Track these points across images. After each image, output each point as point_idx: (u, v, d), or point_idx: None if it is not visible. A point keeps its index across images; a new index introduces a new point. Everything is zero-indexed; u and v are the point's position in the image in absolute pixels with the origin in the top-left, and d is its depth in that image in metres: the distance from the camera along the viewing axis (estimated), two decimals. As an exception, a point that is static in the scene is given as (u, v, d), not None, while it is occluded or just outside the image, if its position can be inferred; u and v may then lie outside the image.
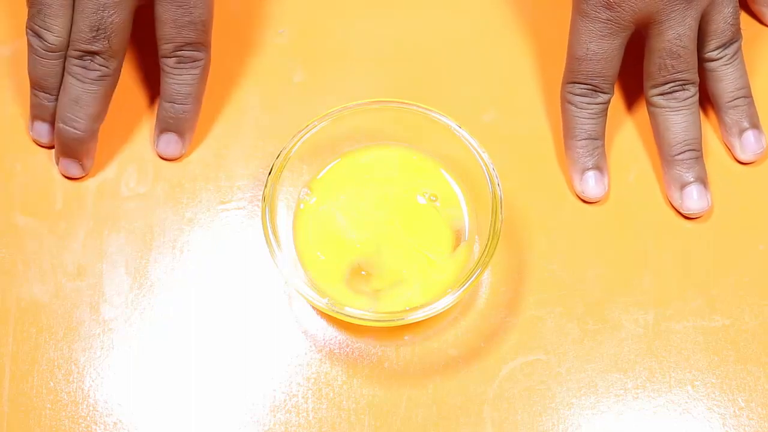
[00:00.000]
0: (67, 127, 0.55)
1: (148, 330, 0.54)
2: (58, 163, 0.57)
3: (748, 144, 0.57)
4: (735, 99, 0.57)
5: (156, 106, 0.58)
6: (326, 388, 0.53)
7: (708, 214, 0.56)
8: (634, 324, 0.54)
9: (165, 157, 0.57)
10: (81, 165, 0.56)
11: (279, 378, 0.53)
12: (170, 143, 0.57)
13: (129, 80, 0.59)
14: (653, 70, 0.56)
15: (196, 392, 0.53)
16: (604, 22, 0.55)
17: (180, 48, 0.56)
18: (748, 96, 0.58)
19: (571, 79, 0.57)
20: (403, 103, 0.53)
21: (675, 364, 0.53)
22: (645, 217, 0.57)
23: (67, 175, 0.57)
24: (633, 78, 0.59)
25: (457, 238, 0.53)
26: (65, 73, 0.55)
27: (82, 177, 0.57)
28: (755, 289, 0.55)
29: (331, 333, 0.54)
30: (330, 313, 0.50)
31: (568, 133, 0.57)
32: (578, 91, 0.57)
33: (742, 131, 0.57)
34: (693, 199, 0.56)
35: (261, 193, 0.52)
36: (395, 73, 0.60)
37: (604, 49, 0.56)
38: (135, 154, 0.58)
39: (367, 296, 0.52)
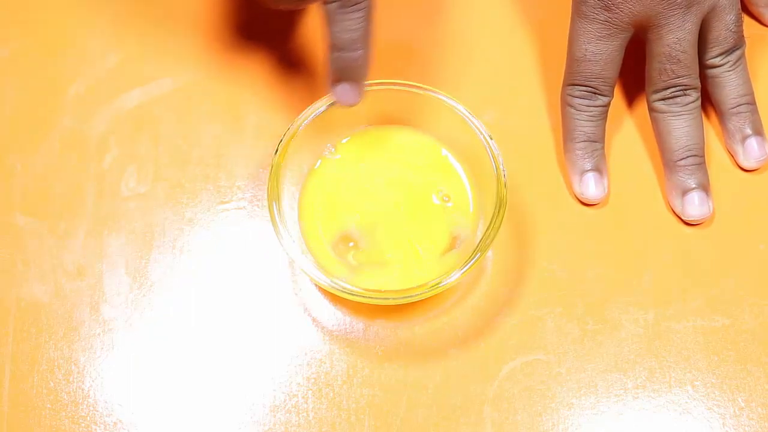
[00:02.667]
0: (348, 53, 0.52)
1: (148, 330, 0.54)
2: (335, 94, 0.54)
3: (751, 151, 0.57)
4: (738, 106, 0.57)
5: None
6: (326, 388, 0.53)
7: (709, 217, 0.56)
8: (634, 324, 0.54)
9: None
10: (359, 89, 0.53)
11: (279, 378, 0.53)
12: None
13: (126, 79, 0.60)
14: (654, 75, 0.56)
15: (195, 392, 0.53)
16: (602, 23, 0.55)
17: None
18: (752, 103, 0.58)
19: (570, 81, 0.57)
20: (438, 93, 0.53)
21: (675, 364, 0.53)
22: (645, 217, 0.57)
23: (342, 102, 0.54)
24: (633, 81, 0.59)
25: (451, 244, 0.53)
26: (332, 17, 0.52)
27: (354, 104, 0.54)
28: (755, 289, 0.55)
29: (331, 333, 0.54)
30: (307, 274, 0.50)
31: (567, 135, 0.57)
32: (577, 93, 0.57)
33: (745, 138, 0.57)
34: (694, 205, 0.56)
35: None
36: (395, 73, 0.60)
37: (602, 51, 0.56)
38: (135, 154, 0.58)
39: (346, 267, 0.52)
